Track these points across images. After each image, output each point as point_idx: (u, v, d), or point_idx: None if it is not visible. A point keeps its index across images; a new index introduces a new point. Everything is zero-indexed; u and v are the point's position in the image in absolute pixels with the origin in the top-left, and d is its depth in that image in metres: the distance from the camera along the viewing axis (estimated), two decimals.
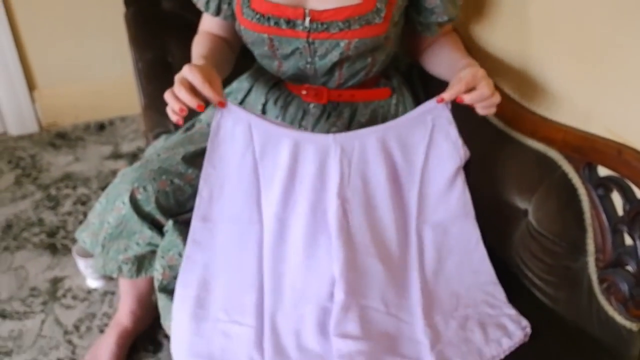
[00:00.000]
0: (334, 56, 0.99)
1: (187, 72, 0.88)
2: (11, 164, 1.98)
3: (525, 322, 0.91)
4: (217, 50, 1.05)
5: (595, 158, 0.90)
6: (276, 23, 0.97)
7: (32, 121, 2.12)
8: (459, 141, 0.95)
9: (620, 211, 0.89)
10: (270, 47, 1.01)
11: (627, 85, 0.86)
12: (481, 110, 0.92)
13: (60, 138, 2.12)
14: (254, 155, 0.93)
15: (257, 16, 0.97)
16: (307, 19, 0.95)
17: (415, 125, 0.95)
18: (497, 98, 0.91)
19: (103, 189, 1.86)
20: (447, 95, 0.91)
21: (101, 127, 2.18)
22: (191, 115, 1.22)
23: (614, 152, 0.87)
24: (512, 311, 0.93)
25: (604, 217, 0.90)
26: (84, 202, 1.81)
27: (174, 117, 0.88)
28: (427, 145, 0.95)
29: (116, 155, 2.04)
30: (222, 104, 0.91)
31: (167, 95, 0.87)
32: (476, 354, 0.86)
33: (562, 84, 0.98)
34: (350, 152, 0.93)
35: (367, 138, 0.94)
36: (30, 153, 2.04)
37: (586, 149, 0.91)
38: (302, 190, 0.92)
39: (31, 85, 2.08)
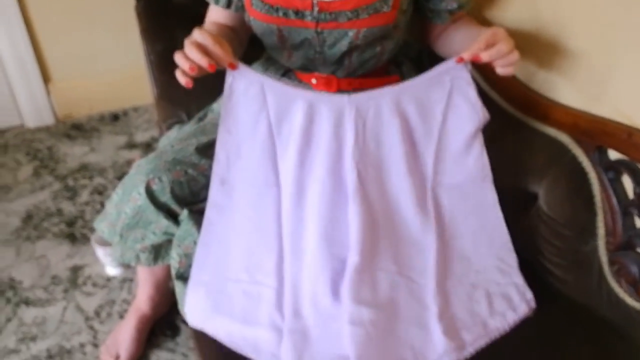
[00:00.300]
0: (343, 45, 0.99)
1: (197, 34, 0.87)
2: (29, 155, 2.02)
3: (530, 295, 0.92)
4: (225, 35, 1.05)
5: (606, 141, 0.91)
6: (285, 14, 0.97)
7: (48, 113, 2.15)
8: (479, 103, 0.93)
9: (630, 194, 0.90)
10: (279, 37, 1.02)
11: (639, 67, 0.86)
12: (500, 69, 0.90)
13: (76, 129, 2.15)
14: (269, 117, 0.92)
15: (266, 7, 0.98)
16: (316, 9, 0.96)
17: (433, 86, 0.93)
18: (515, 55, 0.88)
19: (119, 178, 1.90)
20: (467, 54, 0.89)
21: (115, 117, 2.21)
22: (204, 103, 1.24)
23: (624, 135, 0.87)
24: (520, 280, 0.93)
25: (614, 200, 0.91)
26: (101, 192, 1.85)
27: (182, 80, 0.86)
28: (445, 107, 0.93)
29: (131, 145, 2.07)
30: (232, 66, 0.90)
31: (177, 56, 0.86)
32: (481, 326, 0.88)
33: (573, 66, 0.98)
34: (365, 113, 0.92)
35: (382, 99, 0.92)
36: (47, 145, 2.07)
37: (596, 133, 0.92)
38: (318, 152, 0.92)
39: (46, 78, 2.11)
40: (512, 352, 0.88)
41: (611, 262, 0.92)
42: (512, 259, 0.95)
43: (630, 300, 0.90)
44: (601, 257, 0.93)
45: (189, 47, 0.86)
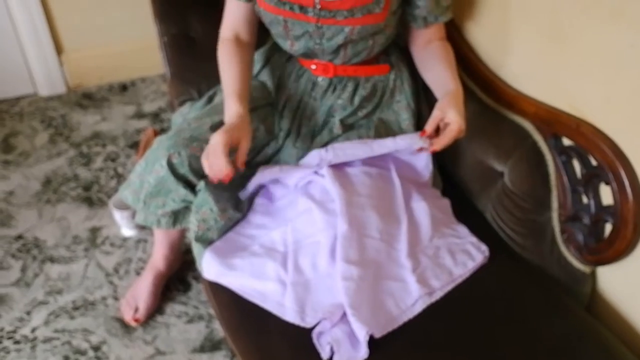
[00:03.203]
0: (339, 39, 1.13)
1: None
2: (44, 123, 2.14)
3: (484, 247, 1.11)
4: (243, 69, 1.17)
5: (559, 130, 1.05)
6: (291, 8, 1.11)
7: (60, 82, 2.27)
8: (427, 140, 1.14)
9: (579, 175, 1.05)
10: (284, 28, 1.16)
11: (587, 70, 1.00)
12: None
13: (87, 98, 2.27)
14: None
15: (275, 0, 1.11)
16: (317, 7, 1.09)
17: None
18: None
19: (130, 146, 2.04)
20: (438, 146, 1.09)
21: (123, 87, 2.33)
22: (213, 83, 1.37)
23: (574, 125, 1.02)
24: (473, 239, 1.12)
25: (565, 179, 1.06)
26: (114, 159, 1.98)
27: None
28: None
29: (139, 115, 2.19)
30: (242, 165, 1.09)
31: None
32: (447, 274, 1.06)
33: (536, 66, 1.12)
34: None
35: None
36: (61, 113, 2.19)
37: (552, 122, 1.07)
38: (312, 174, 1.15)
39: (59, 49, 2.22)
40: (480, 303, 1.04)
41: (562, 231, 1.08)
42: (462, 229, 1.15)
43: (576, 263, 1.08)
44: (554, 227, 1.10)
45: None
